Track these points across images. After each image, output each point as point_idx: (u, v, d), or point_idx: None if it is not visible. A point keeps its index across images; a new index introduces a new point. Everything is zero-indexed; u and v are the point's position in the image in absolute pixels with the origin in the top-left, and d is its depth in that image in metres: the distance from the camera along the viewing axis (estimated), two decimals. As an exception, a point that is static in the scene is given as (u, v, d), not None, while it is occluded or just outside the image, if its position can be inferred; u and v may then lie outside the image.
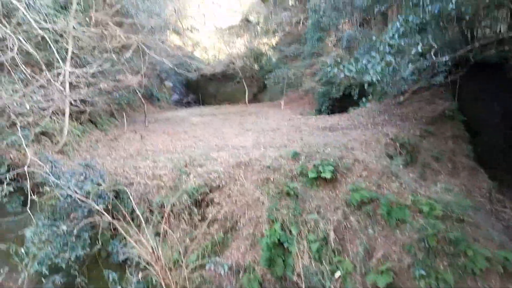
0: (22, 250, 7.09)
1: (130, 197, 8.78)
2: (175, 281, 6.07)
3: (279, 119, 17.24)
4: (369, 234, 7.41)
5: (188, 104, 29.05)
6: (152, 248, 6.15)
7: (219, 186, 9.40)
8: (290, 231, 7.69)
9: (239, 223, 8.65)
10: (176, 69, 20.35)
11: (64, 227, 7.75)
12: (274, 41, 28.91)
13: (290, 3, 25.43)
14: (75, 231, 7.93)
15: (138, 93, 17.04)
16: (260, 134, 13.59)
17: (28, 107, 8.08)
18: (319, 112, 18.68)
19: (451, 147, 11.35)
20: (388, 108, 13.89)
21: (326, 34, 19.32)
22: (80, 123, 13.65)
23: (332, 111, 18.17)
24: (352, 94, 15.87)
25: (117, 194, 9.19)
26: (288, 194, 8.40)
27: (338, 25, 18.43)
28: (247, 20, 28.88)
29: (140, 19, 16.28)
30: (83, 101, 12.28)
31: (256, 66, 28.64)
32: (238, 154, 10.48)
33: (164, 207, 9.10)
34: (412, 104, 13.32)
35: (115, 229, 9.43)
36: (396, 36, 6.19)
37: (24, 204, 9.46)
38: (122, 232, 7.75)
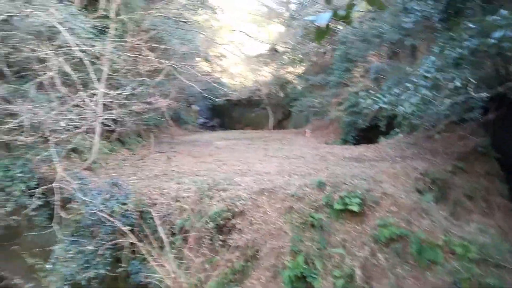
0: (47, 266, 7.09)
1: (154, 218, 8.80)
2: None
3: (303, 147, 17.12)
4: (397, 273, 7.03)
5: (213, 128, 29.53)
6: (173, 272, 6.02)
7: (241, 212, 9.28)
8: (314, 265, 7.41)
9: (260, 252, 8.44)
10: (203, 93, 20.86)
11: (89, 246, 7.77)
12: (300, 70, 29.29)
13: (318, 34, 25.89)
14: (99, 250, 7.93)
15: (166, 116, 17.45)
16: (284, 161, 13.48)
17: (62, 125, 8.40)
18: (345, 141, 18.44)
19: (485, 185, 10.82)
20: (418, 142, 13.52)
21: (353, 65, 19.37)
22: (109, 142, 14.02)
23: (358, 141, 17.89)
24: (380, 125, 15.62)
25: (141, 214, 9.21)
26: (312, 225, 8.17)
27: (366, 57, 18.46)
28: (275, 50, 29.54)
29: (173, 45, 16.92)
30: (113, 121, 12.67)
31: (281, 94, 28.97)
32: (261, 180, 10.39)
33: (186, 230, 9.05)
34: (443, 139, 12.93)
35: (137, 249, 9.43)
36: (432, 69, 6.08)
37: (51, 218, 9.64)
38: (144, 253, 7.72)
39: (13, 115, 8.80)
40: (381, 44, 16.20)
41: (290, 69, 29.84)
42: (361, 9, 15.78)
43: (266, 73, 29.80)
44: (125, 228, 7.70)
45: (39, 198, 8.93)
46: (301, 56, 25.91)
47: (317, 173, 10.95)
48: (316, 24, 2.56)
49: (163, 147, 17.36)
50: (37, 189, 8.94)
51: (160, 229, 7.15)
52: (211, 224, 8.97)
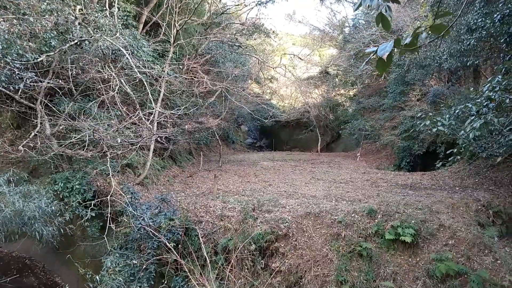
0: (97, 277, 7.37)
1: (199, 235, 8.87)
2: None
3: (353, 171, 16.49)
4: (456, 316, 6.30)
5: (260, 148, 29.76)
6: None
7: (285, 235, 9.04)
8: (361, 298, 6.91)
9: (304, 279, 8.09)
10: (253, 114, 21.21)
11: (135, 260, 8.00)
12: (352, 92, 28.72)
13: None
14: (144, 264, 8.13)
15: (216, 135, 17.91)
16: (332, 185, 13.04)
17: (119, 141, 8.92)
18: (398, 168, 17.48)
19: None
20: (480, 170, 12.39)
21: (409, 88, 18.54)
22: (162, 159, 14.64)
23: (413, 168, 16.87)
24: (438, 151, 14.62)
25: (187, 231, 9.35)
26: (360, 254, 7.69)
27: (424, 80, 17.60)
28: (326, 72, 29.39)
29: (226, 68, 17.55)
30: (167, 139, 13.24)
31: (331, 116, 28.52)
32: (307, 203, 10.10)
33: (229, 250, 8.99)
34: (508, 168, 11.72)
35: (180, 266, 9.53)
36: (497, 89, 5.54)
37: (103, 230, 10.14)
38: (187, 272, 7.75)
39: (76, 130, 9.55)
40: (440, 69, 15.40)
41: (342, 91, 29.40)
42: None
43: (316, 95, 29.63)
44: (170, 245, 7.82)
45: (93, 209, 9.45)
46: (353, 78, 25.49)
47: (367, 199, 10.42)
48: (378, 55, 2.45)
49: (211, 165, 17.74)
50: (92, 201, 9.48)
51: (203, 247, 7.13)
52: (253, 246, 8.82)
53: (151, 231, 8.61)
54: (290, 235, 8.99)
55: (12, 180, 8.54)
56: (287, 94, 31.45)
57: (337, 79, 28.82)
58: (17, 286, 9.53)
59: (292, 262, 8.40)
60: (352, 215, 8.81)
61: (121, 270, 8.32)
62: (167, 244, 7.67)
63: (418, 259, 7.56)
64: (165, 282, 8.80)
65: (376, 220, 8.44)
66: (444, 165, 13.28)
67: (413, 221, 8.04)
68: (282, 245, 8.86)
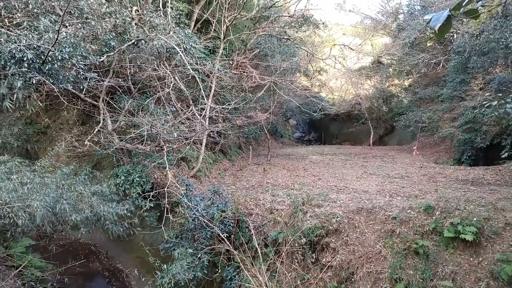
0: (165, 267, 7.79)
1: (250, 227, 9.09)
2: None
3: (408, 166, 15.74)
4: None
5: (308, 142, 29.45)
6: (265, 285, 6.06)
7: (336, 230, 8.92)
8: (417, 297, 6.64)
9: (355, 275, 7.95)
10: (301, 108, 21.03)
11: (190, 249, 8.41)
12: (407, 82, 27.24)
13: (428, 44, 23.84)
14: (198, 254, 8.52)
15: (265, 129, 18.05)
16: (386, 180, 12.57)
17: (175, 135, 9.37)
18: (459, 162, 16.34)
19: None
20: (556, 165, 11.20)
21: (470, 77, 17.13)
22: (213, 153, 15.13)
23: (474, 162, 15.67)
24: (503, 143, 13.43)
25: (238, 223, 9.62)
26: (416, 252, 7.37)
27: (488, 68, 16.14)
28: (379, 62, 28.13)
29: (274, 62, 17.56)
30: (218, 133, 13.64)
31: (384, 108, 27.33)
32: (359, 198, 9.86)
33: (279, 243, 9.10)
34: None
35: (232, 256, 9.84)
36: None
37: (160, 220, 10.76)
38: (239, 262, 7.99)
39: (135, 126, 10.19)
40: (506, 53, 14.04)
41: (396, 81, 28.00)
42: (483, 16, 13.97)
43: (368, 87, 28.54)
44: (223, 235, 8.10)
45: (151, 200, 10.04)
46: (408, 67, 24.14)
47: (424, 195, 9.91)
48: (432, 26, 2.31)
49: (259, 159, 17.94)
50: (150, 193, 10.09)
51: (254, 239, 7.29)
52: (304, 240, 8.83)
53: (204, 222, 8.98)
54: (342, 230, 8.86)
55: (76, 172, 9.36)
56: (337, 86, 30.62)
57: (390, 69, 27.47)
58: (85, 270, 10.49)
59: (343, 257, 8.29)
60: (408, 211, 8.44)
61: (178, 259, 8.79)
62: (220, 234, 7.95)
63: (480, 259, 7.06)
64: (218, 271, 9.15)
65: (433, 217, 8.01)
66: (510, 158, 12.18)
67: (475, 219, 7.51)
68: (332, 240, 8.76)
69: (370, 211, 8.91)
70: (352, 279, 8.01)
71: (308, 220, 9.32)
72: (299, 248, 8.87)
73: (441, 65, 21.47)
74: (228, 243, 7.37)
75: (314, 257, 8.80)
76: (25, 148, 12.94)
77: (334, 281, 8.11)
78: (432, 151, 19.50)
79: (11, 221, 6.72)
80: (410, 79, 26.18)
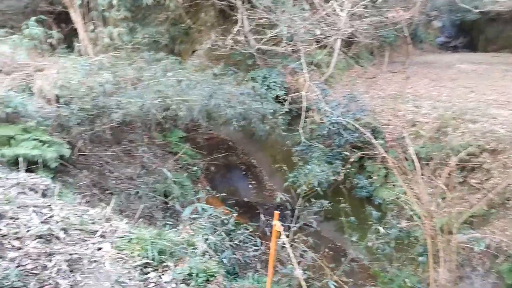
0: (307, 166, 8.15)
1: (385, 139, 8.62)
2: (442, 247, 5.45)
3: None
4: None
5: (454, 49, 24.90)
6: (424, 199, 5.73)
7: (494, 150, 7.80)
8: None
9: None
10: (451, 6, 17.41)
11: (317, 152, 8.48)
12: None
13: None
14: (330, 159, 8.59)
15: (405, 31, 15.76)
16: None
17: (318, 33, 8.73)
18: None
19: None
20: None
21: None
22: (344, 58, 14.14)
23: None
24: None
25: (373, 133, 9.16)
26: None
27: None
28: None
29: None
30: (352, 36, 12.47)
31: None
32: (527, 116, 8.18)
33: (419, 158, 8.45)
34: None
35: (363, 165, 9.70)
36: None
37: (290, 124, 10.99)
38: (371, 172, 7.79)
39: (273, 25, 9.87)
40: None
41: None
42: None
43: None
44: (372, 139, 7.69)
45: (283, 105, 10.13)
46: None
47: None
48: None
49: (394, 67, 16.14)
50: (284, 96, 10.16)
51: (411, 150, 6.80)
52: (452, 158, 7.97)
53: (338, 128, 8.80)
54: (501, 151, 7.69)
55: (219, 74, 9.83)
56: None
57: None
58: (225, 162, 11.84)
59: (499, 181, 7.31)
60: None
61: (310, 161, 9.06)
62: (352, 141, 7.64)
63: None
64: (349, 179, 9.17)
65: None
66: None
67: None
68: (488, 161, 7.72)
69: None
70: (507, 206, 7.14)
71: (459, 136, 8.31)
72: (445, 165, 8.11)
73: None
74: (381, 148, 7.01)
75: (462, 177, 8.00)
76: (170, 48, 14.05)
77: (483, 204, 7.34)
78: None
79: (173, 113, 7.65)
80: None
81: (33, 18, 7.98)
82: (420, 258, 6.60)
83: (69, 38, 10.02)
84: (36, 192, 3.87)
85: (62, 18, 11.64)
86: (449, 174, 8.10)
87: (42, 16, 8.27)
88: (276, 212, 2.92)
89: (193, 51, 13.36)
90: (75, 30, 10.79)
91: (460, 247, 6.27)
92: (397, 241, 6.55)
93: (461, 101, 10.37)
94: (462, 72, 15.01)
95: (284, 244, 3.37)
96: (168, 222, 4.95)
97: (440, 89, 12.00)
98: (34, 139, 5.43)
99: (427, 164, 7.80)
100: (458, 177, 7.84)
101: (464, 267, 7.24)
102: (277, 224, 2.90)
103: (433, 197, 8.02)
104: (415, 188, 5.73)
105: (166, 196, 7.48)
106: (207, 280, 3.11)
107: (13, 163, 4.93)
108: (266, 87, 10.59)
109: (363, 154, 7.85)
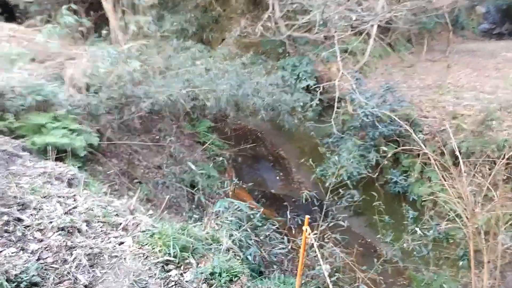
0: (336, 158, 7.84)
1: (424, 132, 8.08)
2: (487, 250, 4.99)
3: None
4: None
5: (499, 36, 23.11)
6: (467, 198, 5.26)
7: (544, 147, 7.08)
8: None
9: None
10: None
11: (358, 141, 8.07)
12: None
13: None
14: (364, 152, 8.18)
15: (446, 18, 14.76)
16: None
17: (354, 18, 8.24)
18: None
19: None
20: None
21: None
22: (380, 46, 13.45)
23: None
24: None
25: (410, 125, 8.63)
26: None
27: None
28: None
29: None
30: (389, 22, 11.78)
31: None
32: None
33: (460, 153, 7.88)
34: None
35: (397, 159, 9.20)
36: None
37: (320, 115, 10.59)
38: (407, 167, 7.32)
39: (305, 12, 9.45)
40: None
41: None
42: None
43: None
44: (412, 131, 7.17)
45: (315, 95, 9.71)
46: None
47: None
48: None
49: (434, 55, 15.20)
50: (316, 86, 9.76)
51: (454, 144, 6.30)
52: (496, 153, 7.35)
53: (374, 120, 8.35)
54: (556, 147, 6.98)
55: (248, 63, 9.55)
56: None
57: None
58: (253, 152, 11.64)
59: (552, 181, 6.67)
60: None
61: (342, 153, 8.66)
62: (412, 133, 7.14)
63: None
64: (383, 174, 8.73)
65: None
66: None
67: None
68: (537, 158, 7.04)
69: None
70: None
71: (505, 130, 7.67)
72: (488, 162, 7.50)
73: None
74: (421, 143, 6.55)
75: (506, 174, 7.36)
76: (199, 36, 13.90)
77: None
78: None
79: (201, 103, 7.52)
80: None
81: (65, 6, 8.04)
82: (461, 262, 6.15)
83: (101, 27, 10.09)
84: (62, 181, 3.84)
85: (94, 7, 11.76)
86: (490, 170, 7.52)
87: (73, 5, 8.30)
88: (307, 217, 2.69)
89: (223, 39, 13.13)
90: (106, 18, 10.85)
91: (505, 251, 5.78)
92: (434, 243, 6.13)
93: (507, 92, 9.60)
94: (508, 61, 13.94)
95: (313, 245, 3.13)
96: (193, 215, 4.84)
97: (483, 79, 11.19)
98: (64, 128, 5.46)
99: (468, 160, 7.26)
100: (504, 174, 7.25)
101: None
102: (307, 230, 2.68)
103: (476, 196, 7.50)
104: (457, 185, 5.22)
105: (192, 186, 7.40)
106: (231, 280, 2.94)
107: (43, 151, 4.97)
108: (295, 77, 10.24)
109: (402, 149, 7.33)
